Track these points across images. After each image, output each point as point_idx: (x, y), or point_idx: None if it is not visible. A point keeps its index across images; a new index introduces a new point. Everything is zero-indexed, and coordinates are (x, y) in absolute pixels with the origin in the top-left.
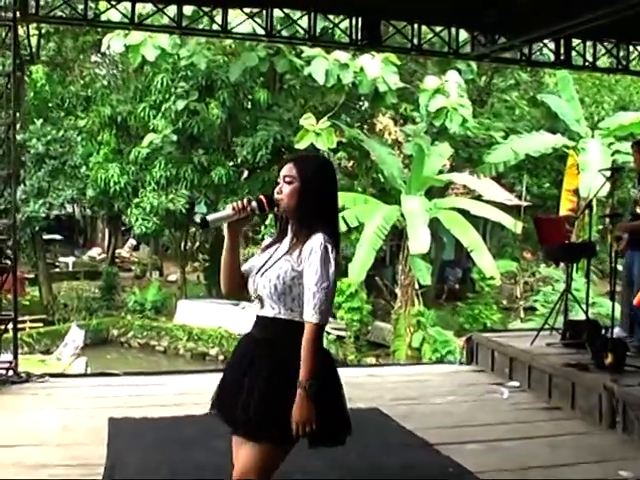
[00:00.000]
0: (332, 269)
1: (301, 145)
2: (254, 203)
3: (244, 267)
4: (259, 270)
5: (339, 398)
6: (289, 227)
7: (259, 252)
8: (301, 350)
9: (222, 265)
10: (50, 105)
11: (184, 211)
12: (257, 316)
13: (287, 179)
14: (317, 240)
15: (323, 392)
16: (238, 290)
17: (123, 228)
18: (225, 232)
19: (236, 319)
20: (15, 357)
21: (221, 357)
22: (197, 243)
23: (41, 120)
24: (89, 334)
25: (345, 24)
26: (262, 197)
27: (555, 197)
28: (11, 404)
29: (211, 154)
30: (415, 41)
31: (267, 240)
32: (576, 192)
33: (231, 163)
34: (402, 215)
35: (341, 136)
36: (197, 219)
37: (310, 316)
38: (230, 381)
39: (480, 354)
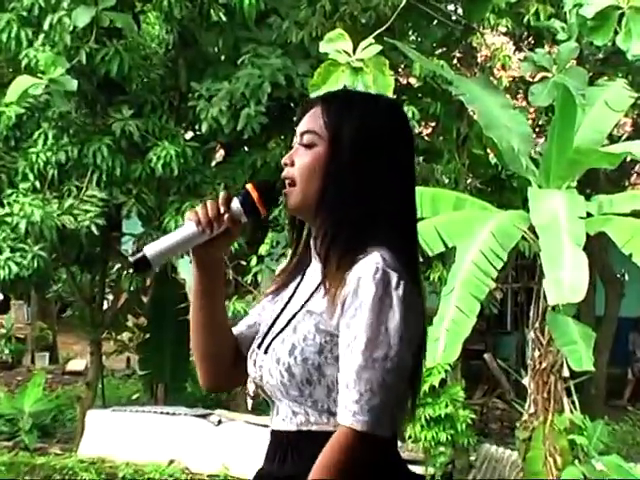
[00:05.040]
0: (395, 323)
1: (323, 91)
2: (236, 202)
3: (238, 329)
4: (262, 341)
5: None
6: (311, 244)
7: (266, 295)
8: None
9: (192, 331)
10: None
11: (96, 231)
12: (271, 431)
13: (306, 138)
14: (369, 265)
15: None
16: (227, 377)
17: None
18: (192, 266)
19: (206, 446)
20: None
21: None
22: (124, 295)
23: None
24: None
25: None
26: (250, 186)
27: None
28: None
29: (148, 116)
30: None
31: (281, 266)
32: None
33: (189, 134)
34: (532, 229)
35: (405, 74)
36: (130, 258)
37: (346, 416)
38: None
39: None
